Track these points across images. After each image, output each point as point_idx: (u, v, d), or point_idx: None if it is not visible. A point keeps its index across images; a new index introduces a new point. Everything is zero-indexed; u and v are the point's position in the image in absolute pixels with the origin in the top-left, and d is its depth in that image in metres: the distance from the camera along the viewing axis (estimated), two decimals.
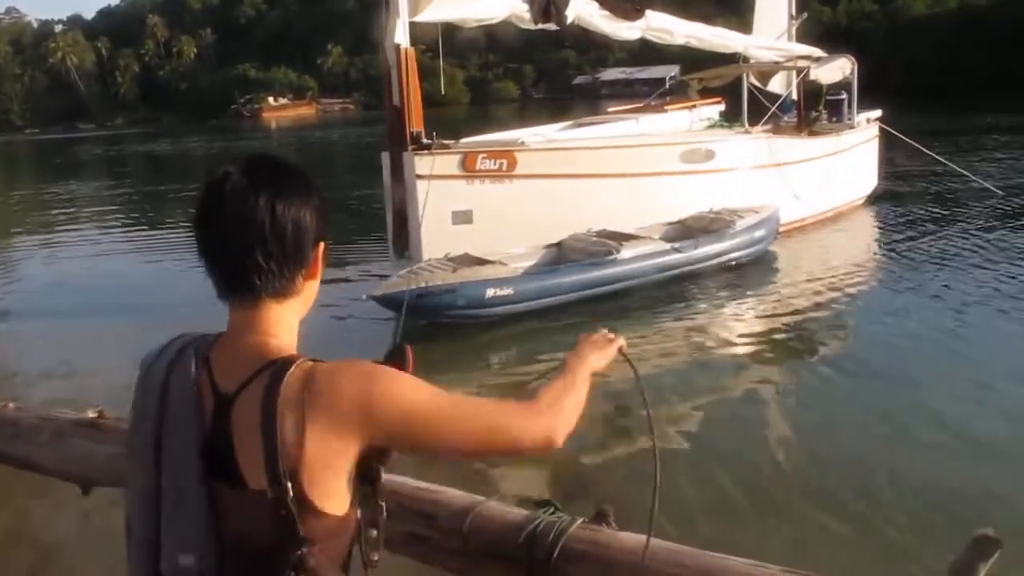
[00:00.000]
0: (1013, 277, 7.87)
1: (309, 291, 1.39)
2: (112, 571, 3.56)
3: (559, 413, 1.38)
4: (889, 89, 16.49)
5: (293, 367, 1.25)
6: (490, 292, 6.85)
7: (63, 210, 19.27)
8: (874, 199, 12.48)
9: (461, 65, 69.25)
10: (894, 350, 6.13)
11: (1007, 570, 1.62)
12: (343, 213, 14.68)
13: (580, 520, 1.99)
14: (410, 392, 1.28)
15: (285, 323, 1.35)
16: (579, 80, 72.17)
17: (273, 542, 1.23)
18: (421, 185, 7.01)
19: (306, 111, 74.02)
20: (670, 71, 56.66)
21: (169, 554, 1.29)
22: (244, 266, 1.30)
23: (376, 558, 1.39)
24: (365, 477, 1.36)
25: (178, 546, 1.28)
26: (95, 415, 3.09)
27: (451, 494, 2.03)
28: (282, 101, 76.57)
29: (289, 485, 1.21)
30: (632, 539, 1.95)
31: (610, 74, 70.75)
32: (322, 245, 1.37)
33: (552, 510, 2.05)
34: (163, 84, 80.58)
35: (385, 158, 7.34)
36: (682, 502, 3.80)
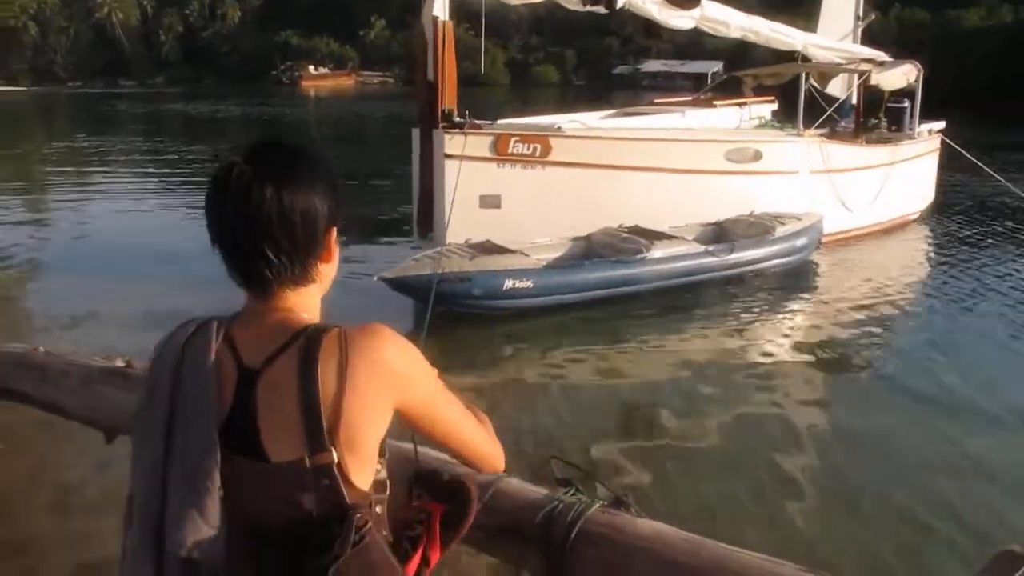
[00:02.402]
0: None
1: (326, 274, 1.42)
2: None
3: (501, 456, 1.61)
4: (938, 100, 16.21)
5: (327, 332, 1.28)
6: (508, 283, 6.69)
7: (99, 163, 19.77)
8: (929, 214, 12.20)
9: (503, 45, 69.03)
10: (929, 373, 5.98)
11: None
12: (374, 189, 14.77)
13: (599, 503, 2.04)
14: (433, 378, 1.41)
15: (306, 304, 1.38)
16: (620, 69, 71.84)
17: (306, 515, 1.24)
18: (450, 165, 6.93)
19: (345, 82, 74.23)
20: (713, 66, 56.12)
21: (175, 530, 1.26)
22: (255, 260, 1.31)
23: (386, 533, 1.38)
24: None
25: (186, 522, 1.26)
26: (123, 364, 3.21)
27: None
28: (322, 70, 76.81)
29: (331, 451, 1.23)
30: (651, 526, 1.99)
31: (652, 66, 70.31)
32: (334, 230, 1.39)
33: (573, 491, 2.11)
34: (205, 45, 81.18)
35: (415, 134, 7.27)
36: (701, 499, 3.85)
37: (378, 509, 1.33)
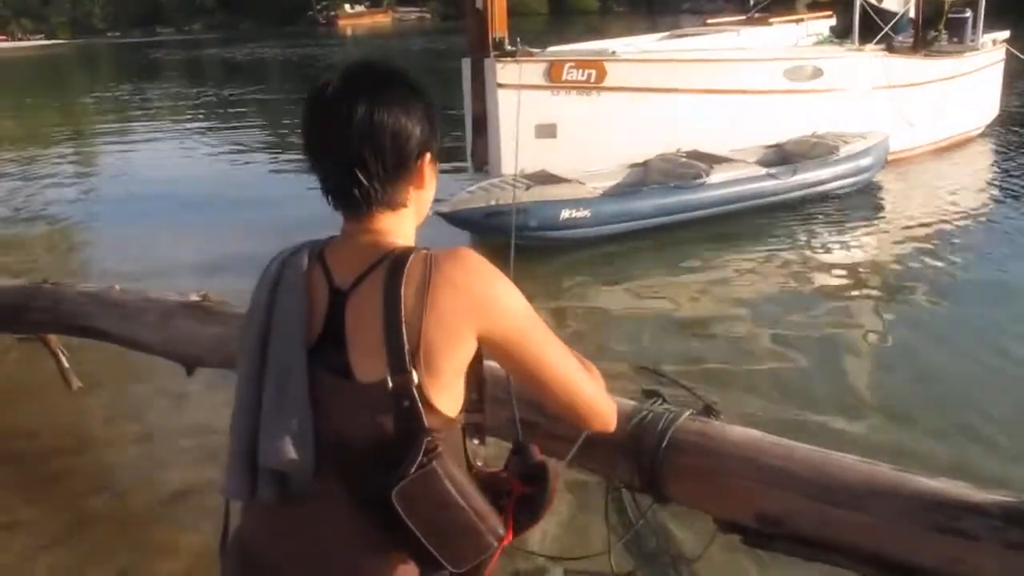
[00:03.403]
0: None
1: (420, 201, 1.42)
2: (209, 448, 3.84)
3: (612, 412, 1.52)
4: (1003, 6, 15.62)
5: (414, 254, 1.29)
6: (565, 213, 6.62)
7: (142, 112, 19.99)
8: (994, 129, 11.78)
9: None
10: (999, 296, 5.86)
11: None
12: (447, 125, 14.88)
13: (689, 412, 2.06)
14: (526, 309, 1.35)
15: (400, 228, 1.38)
16: None
17: (382, 434, 1.26)
18: (503, 94, 6.81)
19: (382, 20, 73.57)
20: None
21: (268, 441, 1.30)
22: (346, 182, 1.32)
23: (479, 464, 1.43)
24: (474, 380, 1.41)
25: (278, 433, 1.29)
26: (199, 298, 3.28)
27: None
28: (358, 8, 76.19)
29: (412, 373, 1.24)
30: (742, 432, 2.02)
31: None
32: (428, 155, 1.37)
33: (660, 401, 2.13)
34: None
35: (465, 64, 7.15)
36: (775, 414, 3.86)
37: (457, 441, 1.35)
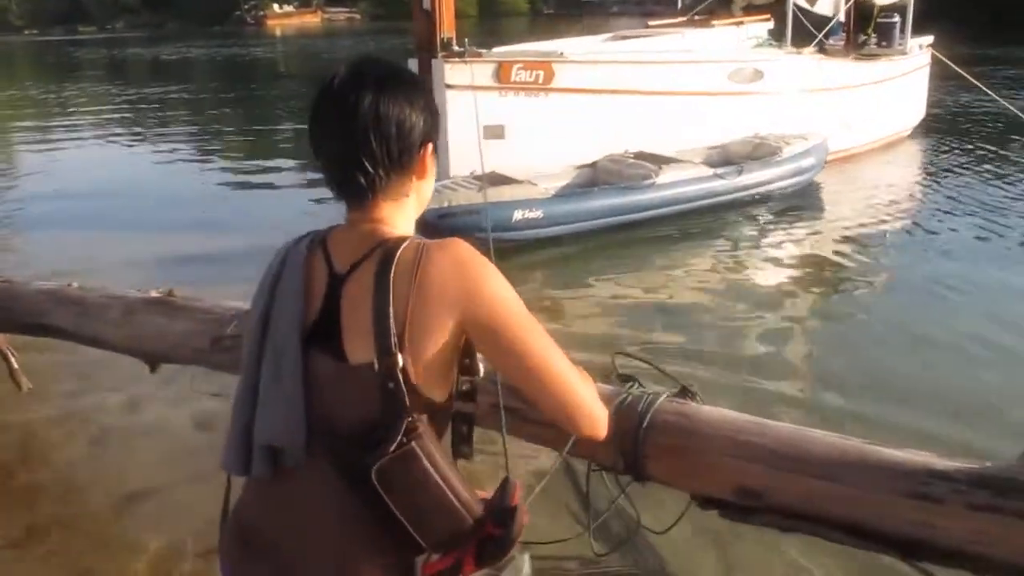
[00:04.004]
0: None
1: (421, 191, 1.48)
2: (164, 448, 3.82)
3: (604, 419, 1.51)
4: (941, 12, 16.42)
5: (406, 243, 1.35)
6: (518, 214, 6.66)
7: (63, 111, 19.41)
8: (920, 131, 12.29)
9: None
10: (926, 287, 6.22)
11: None
12: None
13: (667, 394, 2.16)
14: (513, 299, 1.38)
15: (399, 218, 1.44)
16: None
17: (369, 415, 1.32)
18: (452, 95, 6.82)
19: (311, 20, 72.87)
20: None
21: (263, 419, 1.38)
22: (351, 170, 1.37)
23: (467, 450, 1.53)
24: (466, 369, 1.47)
25: (273, 411, 1.37)
26: (158, 294, 3.27)
27: None
28: (287, 8, 75.35)
29: (397, 356, 1.30)
30: (717, 412, 2.13)
31: None
32: (429, 146, 1.44)
33: (636, 385, 2.22)
34: None
35: (412, 65, 7.10)
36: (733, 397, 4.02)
37: (443, 426, 1.43)
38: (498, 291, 1.36)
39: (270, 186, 10.67)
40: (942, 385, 4.42)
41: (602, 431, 1.49)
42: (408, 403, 1.31)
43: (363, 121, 1.35)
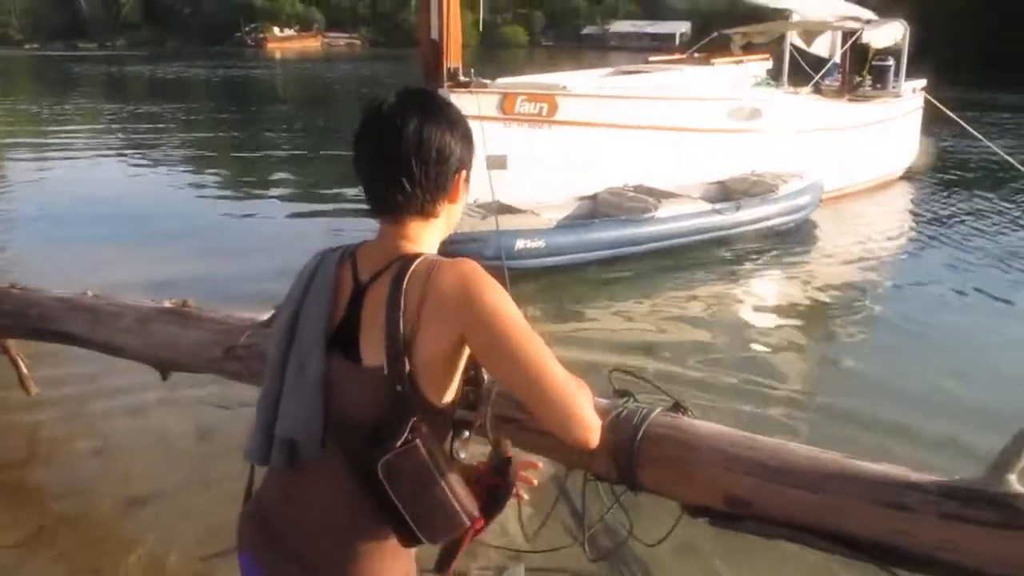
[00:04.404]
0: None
1: (451, 214, 1.61)
2: (168, 453, 3.89)
3: (597, 428, 1.56)
4: (932, 57, 16.89)
5: (422, 258, 1.48)
6: (520, 243, 6.78)
7: (59, 127, 19.51)
8: (912, 173, 12.54)
9: (470, 5, 68.49)
10: (927, 321, 6.47)
11: None
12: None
13: (660, 408, 2.30)
14: (512, 312, 1.47)
15: (426, 237, 1.57)
16: (588, 30, 72.58)
17: (379, 414, 1.44)
18: None
19: (311, 44, 73.69)
20: (681, 27, 56.26)
21: (285, 413, 1.51)
22: (390, 189, 1.51)
23: (462, 456, 1.60)
24: (472, 380, 1.60)
25: (294, 407, 1.50)
26: (171, 305, 3.41)
27: None
28: (287, 32, 76.25)
29: (405, 362, 1.42)
30: (709, 426, 2.27)
31: (620, 26, 71.12)
32: (464, 173, 1.57)
33: (631, 400, 2.36)
34: (167, 6, 79.71)
35: None
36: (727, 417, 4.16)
37: (445, 429, 1.54)
38: (497, 303, 1.45)
39: (265, 207, 10.80)
40: (913, 416, 4.60)
41: (594, 439, 1.53)
42: (413, 405, 1.43)
43: (407, 145, 1.48)
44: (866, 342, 6.08)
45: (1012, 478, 1.87)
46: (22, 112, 23.17)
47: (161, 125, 19.49)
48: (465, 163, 1.57)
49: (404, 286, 1.44)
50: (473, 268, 1.47)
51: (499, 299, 1.46)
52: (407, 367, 1.42)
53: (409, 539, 1.47)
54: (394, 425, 1.42)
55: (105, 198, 10.87)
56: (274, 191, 11.77)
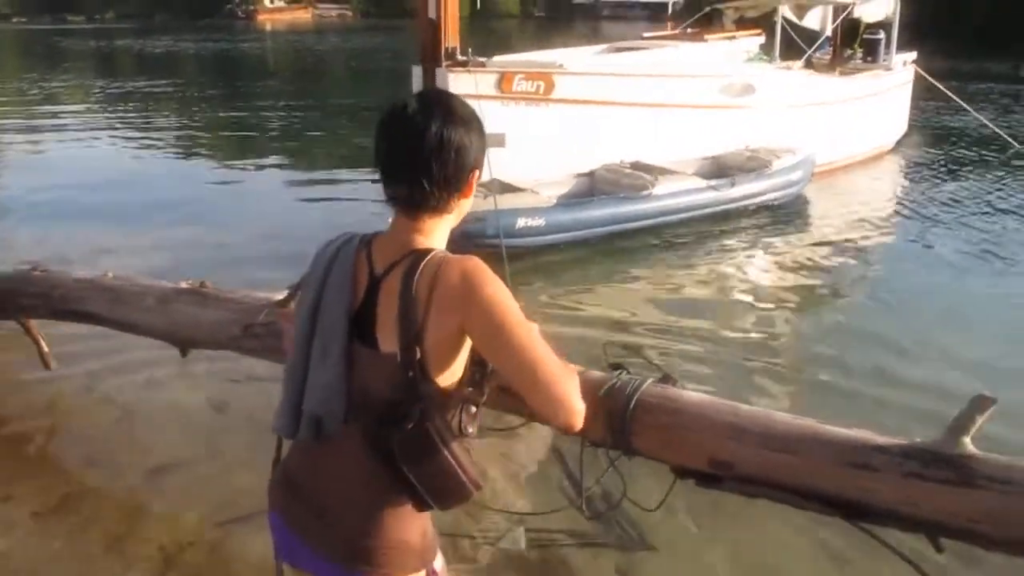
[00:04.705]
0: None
1: (461, 208, 1.72)
2: (183, 425, 4.09)
3: (581, 412, 1.65)
4: (928, 29, 17.19)
5: (432, 254, 1.61)
6: (521, 222, 6.87)
7: (48, 103, 19.55)
8: (903, 145, 12.75)
9: None
10: (911, 293, 6.78)
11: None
12: (351, 125, 15.23)
13: (651, 379, 2.52)
14: (508, 304, 1.58)
15: (437, 231, 1.69)
16: (580, 0, 71.85)
17: (394, 396, 1.59)
18: None
19: (302, 15, 73.18)
20: None
21: (311, 392, 1.67)
22: (409, 186, 1.62)
23: (471, 430, 1.75)
24: (479, 361, 1.75)
25: (319, 386, 1.66)
26: (187, 285, 3.61)
27: None
28: (278, 3, 75.62)
29: (415, 350, 1.57)
30: (696, 395, 2.49)
31: None
32: (477, 171, 1.68)
33: (624, 372, 2.58)
34: None
35: (416, 73, 7.34)
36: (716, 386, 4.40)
37: (452, 409, 1.68)
38: (494, 296, 1.57)
39: (260, 188, 10.91)
40: (890, 383, 4.91)
41: (577, 423, 1.63)
42: (423, 389, 1.58)
43: (429, 145, 1.58)
44: (851, 316, 6.34)
45: (967, 440, 2.10)
46: (11, 89, 23.01)
47: (152, 103, 19.45)
48: (479, 162, 1.68)
49: (415, 281, 1.57)
50: (476, 264, 1.59)
51: (496, 292, 1.57)
52: (417, 355, 1.57)
53: (423, 505, 1.65)
54: (406, 406, 1.58)
55: (98, 181, 10.73)
56: (268, 171, 11.83)
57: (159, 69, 29.49)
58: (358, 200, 9.25)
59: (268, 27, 61.09)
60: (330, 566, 1.70)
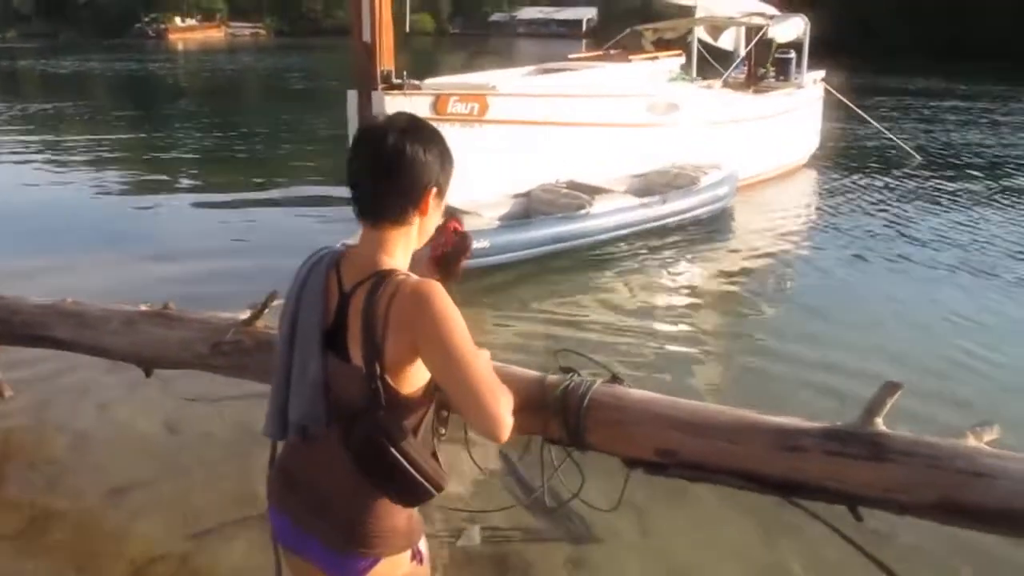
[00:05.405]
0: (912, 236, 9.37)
1: (421, 227, 1.87)
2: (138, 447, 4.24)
3: (508, 426, 1.78)
4: (838, 47, 18.17)
5: (391, 278, 1.76)
6: None
7: None
8: (816, 159, 13.41)
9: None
10: (829, 293, 7.48)
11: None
12: (265, 146, 15.45)
13: (600, 380, 2.81)
14: (454, 325, 1.72)
15: (398, 246, 1.83)
16: (496, 17, 72.90)
17: (362, 405, 1.75)
18: None
19: (215, 34, 72.39)
20: (587, 13, 56.72)
21: (295, 402, 1.86)
22: (370, 195, 1.79)
23: (443, 431, 2.04)
24: None
25: (300, 398, 1.85)
26: (148, 308, 3.77)
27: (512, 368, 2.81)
28: (189, 22, 74.69)
29: (376, 365, 1.73)
30: (641, 393, 2.78)
31: (527, 13, 71.74)
32: (434, 190, 1.82)
33: (575, 375, 2.87)
34: None
35: (352, 97, 7.43)
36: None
37: (407, 414, 1.82)
38: (441, 316, 1.72)
39: (170, 206, 10.87)
40: (811, 371, 5.48)
41: (503, 435, 1.75)
42: (385, 400, 1.74)
43: (388, 154, 1.75)
44: (776, 316, 6.92)
45: (879, 421, 2.43)
46: None
47: (61, 125, 18.94)
48: (437, 180, 1.83)
49: (376, 301, 1.73)
50: (429, 287, 1.74)
51: (445, 312, 1.72)
52: (378, 369, 1.73)
53: (392, 500, 1.85)
54: (368, 416, 1.75)
55: (7, 208, 10.53)
56: (182, 193, 11.72)
57: (66, 90, 28.74)
58: (274, 218, 9.59)
59: (180, 46, 60.08)
60: (326, 549, 1.90)
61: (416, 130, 1.81)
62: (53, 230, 9.16)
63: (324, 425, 1.83)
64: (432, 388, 1.86)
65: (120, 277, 7.06)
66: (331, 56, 39.19)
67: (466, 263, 2.14)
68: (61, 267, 7.30)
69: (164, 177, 13.00)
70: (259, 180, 12.25)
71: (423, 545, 2.02)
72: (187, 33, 69.79)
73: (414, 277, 1.78)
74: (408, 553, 1.96)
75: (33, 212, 10.29)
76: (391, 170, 1.76)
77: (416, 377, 1.80)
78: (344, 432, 1.78)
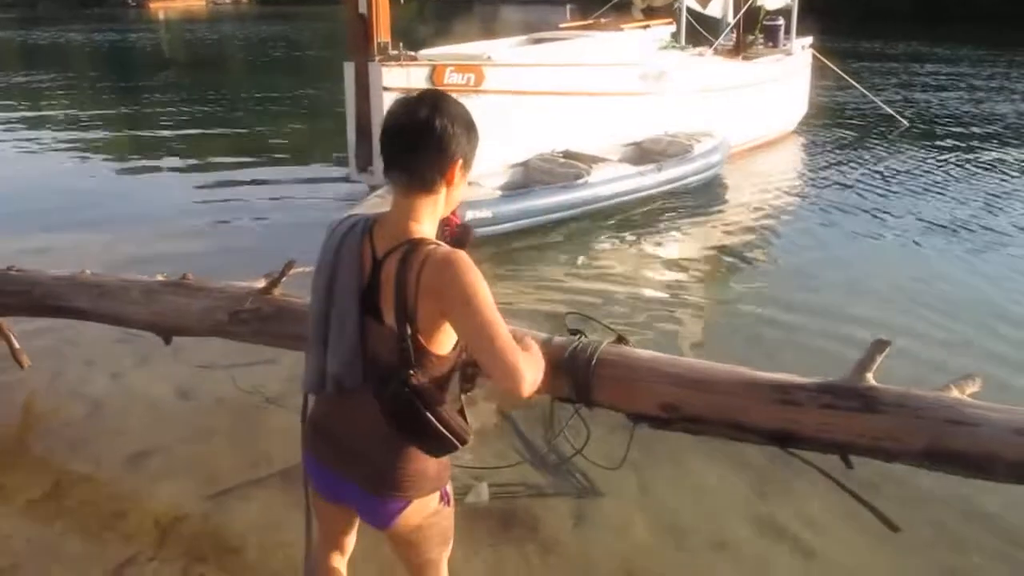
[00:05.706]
0: (893, 197, 9.74)
1: (448, 196, 1.99)
2: (158, 414, 4.46)
3: (531, 381, 1.90)
4: (824, 13, 18.27)
5: (421, 246, 1.88)
6: (470, 214, 7.07)
7: None
8: (804, 125, 13.57)
9: None
10: (818, 258, 7.73)
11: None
12: (251, 117, 15.40)
13: (607, 341, 2.98)
14: (478, 289, 1.84)
15: (426, 214, 1.95)
16: None
17: (396, 363, 1.90)
18: (388, 98, 7.19)
19: (196, 3, 71.22)
20: None
21: (333, 359, 2.00)
22: (401, 163, 1.92)
23: (470, 387, 2.22)
24: None
25: (338, 355, 1.99)
26: (163, 278, 3.91)
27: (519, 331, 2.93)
28: None
29: (407, 326, 1.88)
30: (645, 352, 2.96)
31: None
32: (460, 160, 1.93)
33: (583, 336, 3.04)
34: None
35: (348, 68, 7.52)
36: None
37: (437, 372, 1.96)
38: (466, 284, 1.83)
39: (156, 180, 10.88)
40: (804, 329, 5.78)
41: (525, 391, 1.87)
42: (414, 359, 1.88)
43: (418, 127, 1.87)
44: (770, 279, 7.11)
45: (870, 376, 2.62)
46: None
47: (43, 100, 18.60)
48: (464, 152, 1.94)
49: (408, 267, 1.85)
50: (457, 256, 1.86)
51: (469, 281, 1.83)
52: (409, 330, 1.87)
53: (422, 451, 2.00)
54: (400, 373, 1.89)
55: None
56: (167, 166, 11.60)
57: (45, 62, 28.29)
58: (263, 192, 9.61)
59: (161, 16, 59.16)
60: (363, 493, 2.07)
61: (445, 105, 1.93)
62: (42, 210, 8.98)
63: (359, 381, 1.97)
64: (460, 348, 1.99)
65: (116, 253, 7.06)
66: (315, 25, 38.85)
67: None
68: (57, 247, 7.33)
69: (144, 151, 12.79)
70: (246, 153, 12.16)
71: (449, 487, 2.20)
72: (168, 3, 68.73)
73: (444, 246, 1.90)
74: (437, 495, 2.12)
75: (19, 190, 10.19)
76: (422, 142, 1.88)
77: (445, 338, 1.93)
78: (377, 388, 1.91)
